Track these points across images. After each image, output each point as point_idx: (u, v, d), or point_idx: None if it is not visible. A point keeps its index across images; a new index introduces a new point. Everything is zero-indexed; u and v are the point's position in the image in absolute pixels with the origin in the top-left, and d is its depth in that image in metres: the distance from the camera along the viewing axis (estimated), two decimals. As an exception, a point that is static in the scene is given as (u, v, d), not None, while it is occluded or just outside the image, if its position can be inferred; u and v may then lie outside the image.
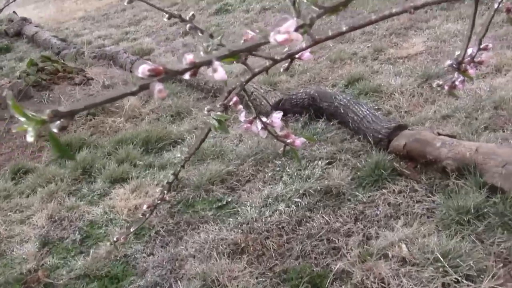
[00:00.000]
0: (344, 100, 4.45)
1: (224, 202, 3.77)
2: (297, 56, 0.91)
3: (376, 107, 4.66)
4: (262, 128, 1.06)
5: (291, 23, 0.62)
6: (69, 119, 0.49)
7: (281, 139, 1.09)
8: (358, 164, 3.85)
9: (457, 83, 1.11)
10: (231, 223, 3.51)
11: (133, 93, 0.55)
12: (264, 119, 1.04)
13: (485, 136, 3.92)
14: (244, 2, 8.86)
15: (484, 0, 5.83)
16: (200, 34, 1.01)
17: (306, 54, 0.92)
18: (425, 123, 4.28)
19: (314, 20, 0.71)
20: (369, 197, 3.52)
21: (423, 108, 4.60)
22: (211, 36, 0.99)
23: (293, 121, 4.61)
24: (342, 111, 4.36)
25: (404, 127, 4.01)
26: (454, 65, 1.04)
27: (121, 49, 6.99)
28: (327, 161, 3.96)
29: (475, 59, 1.06)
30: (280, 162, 4.07)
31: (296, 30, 0.64)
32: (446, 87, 1.12)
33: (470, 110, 4.37)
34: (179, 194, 3.87)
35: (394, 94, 4.89)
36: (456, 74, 1.10)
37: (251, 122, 1.04)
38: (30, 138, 0.47)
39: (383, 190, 3.55)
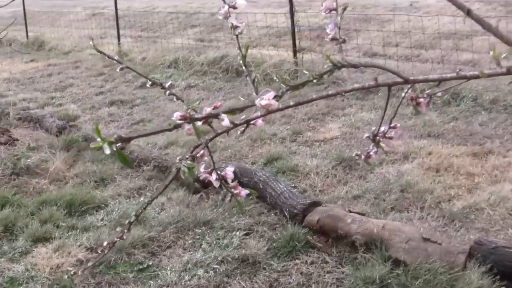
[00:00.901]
0: (264, 176, 4.74)
1: (145, 266, 3.92)
2: (252, 122, 1.17)
3: (293, 185, 4.95)
4: (216, 179, 1.30)
5: (272, 94, 0.88)
6: (127, 142, 0.72)
7: (230, 189, 1.33)
8: (274, 236, 4.10)
9: (371, 153, 1.39)
10: (151, 285, 3.67)
11: (169, 130, 0.78)
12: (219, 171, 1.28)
13: (391, 216, 4.27)
14: (169, 78, 9.18)
15: (396, 93, 6.34)
16: (179, 100, 1.24)
17: (259, 121, 1.18)
18: (338, 201, 4.61)
19: (284, 93, 0.97)
20: (283, 266, 3.77)
21: (336, 188, 4.94)
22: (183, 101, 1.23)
23: (214, 193, 4.83)
24: (261, 186, 4.64)
25: (318, 203, 4.32)
26: (370, 137, 1.32)
27: (47, 113, 7.10)
28: (245, 232, 4.20)
29: (386, 135, 1.35)
30: (200, 230, 4.28)
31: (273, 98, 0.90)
32: (363, 157, 1.40)
33: (379, 192, 4.74)
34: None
35: (310, 174, 5.22)
36: (371, 146, 1.38)
37: (209, 173, 1.28)
38: (107, 151, 0.69)
39: (297, 260, 3.81)
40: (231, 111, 0.99)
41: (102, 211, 4.74)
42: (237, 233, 4.18)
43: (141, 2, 19.49)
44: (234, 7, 1.26)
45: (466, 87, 7.11)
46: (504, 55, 1.12)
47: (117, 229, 1.39)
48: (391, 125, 1.34)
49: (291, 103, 1.10)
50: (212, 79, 9.16)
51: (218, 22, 13.60)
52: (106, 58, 1.28)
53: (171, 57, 10.39)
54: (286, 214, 4.28)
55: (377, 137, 1.32)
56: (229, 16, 1.26)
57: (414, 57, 9.43)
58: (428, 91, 1.30)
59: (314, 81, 1.11)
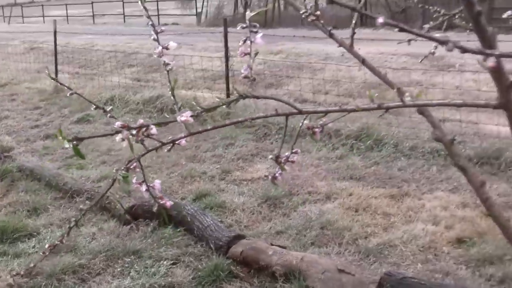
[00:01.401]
0: (192, 210, 4.97)
1: (75, 291, 4.08)
2: (177, 142, 1.43)
3: (220, 220, 5.19)
4: (145, 190, 1.55)
5: (189, 113, 1.15)
6: (80, 141, 0.96)
7: (157, 199, 1.58)
8: (199, 265, 4.33)
9: (277, 175, 1.67)
10: (80, 310, 3.84)
11: (111, 134, 1.03)
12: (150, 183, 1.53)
13: (311, 250, 4.56)
14: (105, 116, 9.32)
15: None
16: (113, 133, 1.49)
17: (183, 142, 1.44)
18: (261, 236, 4.87)
19: (200, 114, 1.23)
20: (207, 294, 4.01)
21: (260, 224, 5.21)
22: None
23: (144, 225, 5.03)
24: (189, 219, 4.87)
25: (242, 237, 4.58)
26: (273, 158, 1.59)
27: (-19, 143, 7.18)
28: (172, 262, 4.41)
29: (289, 159, 1.62)
30: (129, 259, 4.46)
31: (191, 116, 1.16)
32: (270, 177, 1.68)
33: (300, 228, 5.03)
34: (32, 281, 4.13)
35: (236, 211, 5.48)
36: (277, 168, 1.65)
37: (140, 184, 1.53)
38: (66, 146, 0.93)
39: (220, 289, 4.05)
40: (158, 123, 1.25)
41: (34, 239, 4.87)
42: (165, 262, 4.38)
43: (80, 39, 19.63)
44: (167, 48, 1.51)
45: (388, 134, 7.56)
46: (376, 94, 1.41)
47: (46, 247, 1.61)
48: (293, 151, 1.62)
49: (208, 127, 1.36)
50: (147, 118, 9.37)
51: (155, 63, 13.88)
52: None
53: (107, 95, 10.57)
54: (211, 245, 4.51)
55: (280, 159, 1.59)
56: (162, 55, 1.51)
57: (343, 105, 9.82)
58: (320, 122, 1.57)
59: (224, 106, 1.37)
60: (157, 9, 32.77)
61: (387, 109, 1.35)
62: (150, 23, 1.53)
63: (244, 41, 1.49)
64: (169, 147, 1.45)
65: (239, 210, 5.47)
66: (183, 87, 11.23)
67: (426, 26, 2.59)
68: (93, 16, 34.76)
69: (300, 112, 1.42)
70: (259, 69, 12.10)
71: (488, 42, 1.23)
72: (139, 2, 1.55)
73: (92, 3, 35.39)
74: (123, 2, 34.46)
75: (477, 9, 1.21)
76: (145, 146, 1.43)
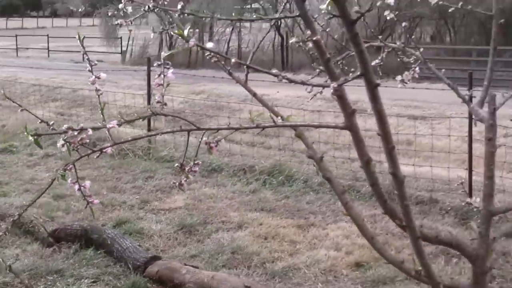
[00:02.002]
0: (112, 234, 5.32)
1: (-3, 307, 4.35)
2: (104, 150, 1.85)
3: (138, 244, 5.54)
4: (78, 189, 1.94)
5: (115, 122, 1.57)
6: (39, 136, 1.37)
7: (87, 197, 1.97)
8: (118, 284, 4.69)
9: (183, 181, 2.09)
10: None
11: (59, 133, 1.44)
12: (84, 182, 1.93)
13: (222, 271, 4.97)
14: (28, 147, 9.52)
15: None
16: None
17: (109, 150, 1.86)
18: (176, 259, 5.25)
19: (122, 123, 1.65)
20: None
21: (176, 248, 5.60)
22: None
23: (66, 247, 5.33)
24: (109, 242, 5.21)
25: (158, 258, 4.96)
26: (179, 166, 2.02)
27: None
28: (92, 280, 4.75)
29: (192, 169, 2.05)
30: (52, 278, 4.76)
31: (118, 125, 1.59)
32: (177, 184, 2.10)
33: (213, 252, 5.45)
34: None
35: (154, 237, 5.85)
36: (182, 176, 2.08)
37: (74, 183, 1.92)
38: (30, 138, 1.33)
39: (136, 303, 4.41)
40: (94, 127, 1.67)
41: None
42: (85, 280, 4.71)
43: (3, 71, 19.60)
44: (99, 77, 1.92)
45: (299, 171, 8.11)
46: (257, 116, 1.87)
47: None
48: (195, 162, 2.05)
49: (122, 139, 1.79)
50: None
51: (78, 98, 14.10)
52: None
53: (32, 127, 10.70)
54: (130, 266, 4.87)
55: (184, 167, 2.02)
56: (95, 82, 1.93)
57: (258, 144, 10.36)
58: (218, 137, 2.00)
59: (141, 120, 1.80)
60: (82, 46, 32.53)
61: (263, 128, 1.80)
62: (87, 57, 1.94)
63: (159, 75, 1.93)
64: (98, 154, 1.86)
65: (156, 236, 5.84)
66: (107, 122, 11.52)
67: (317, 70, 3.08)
68: (17, 49, 34.42)
69: (199, 128, 1.86)
70: (180, 108, 12.55)
71: (335, 80, 1.71)
72: (77, 39, 1.97)
73: (16, 36, 35.06)
74: (48, 37, 34.34)
75: (327, 57, 1.69)
76: (79, 152, 1.84)
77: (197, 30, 29.77)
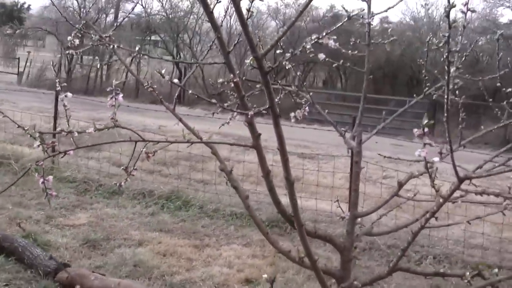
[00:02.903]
0: (23, 242, 5.72)
1: None
2: (68, 152, 2.41)
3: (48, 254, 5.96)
4: (42, 182, 2.48)
5: (91, 129, 2.15)
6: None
7: (48, 189, 2.52)
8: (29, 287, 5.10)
9: (122, 183, 2.67)
10: None
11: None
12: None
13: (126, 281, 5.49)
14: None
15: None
16: None
17: (71, 152, 2.42)
18: (84, 267, 5.71)
19: (73, 136, 2.23)
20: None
21: (82, 260, 6.06)
22: None
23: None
24: (20, 250, 5.61)
25: (68, 265, 5.42)
26: (124, 169, 2.61)
27: None
28: (4, 284, 5.14)
29: (131, 173, 2.64)
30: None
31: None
32: (117, 185, 2.68)
33: (116, 264, 5.96)
34: None
35: (60, 249, 6.27)
36: (127, 178, 2.66)
37: (40, 177, 2.46)
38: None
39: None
40: (79, 132, 2.24)
41: None
42: (-4, 285, 5.10)
43: None
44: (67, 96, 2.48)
45: (195, 197, 8.75)
46: (187, 134, 2.49)
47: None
48: (134, 168, 2.64)
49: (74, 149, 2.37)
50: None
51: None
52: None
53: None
54: (40, 272, 5.29)
55: (127, 170, 2.60)
56: (64, 99, 2.48)
57: (156, 172, 10.90)
58: (155, 149, 2.60)
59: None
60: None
61: (192, 143, 2.43)
62: None
63: (111, 98, 2.51)
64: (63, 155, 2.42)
65: (63, 248, 6.27)
66: (5, 142, 11.74)
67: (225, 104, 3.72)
68: None
69: (144, 140, 2.46)
70: (82, 134, 12.84)
71: (256, 134, 2.36)
72: None
73: None
74: None
75: (243, 94, 2.35)
76: (48, 153, 2.39)
77: (96, 58, 30.03)
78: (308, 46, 1.96)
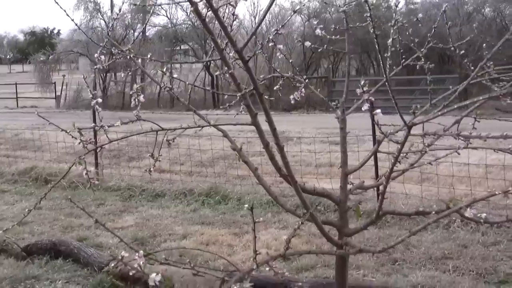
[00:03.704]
0: (78, 244, 6.32)
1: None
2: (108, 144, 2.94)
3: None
4: (85, 173, 3.02)
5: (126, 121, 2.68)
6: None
7: (91, 179, 3.05)
8: (87, 282, 5.68)
9: (152, 168, 3.20)
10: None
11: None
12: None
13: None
14: (-16, 185, 10.41)
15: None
16: None
17: (106, 146, 2.95)
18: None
19: (105, 131, 2.76)
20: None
21: (131, 256, 6.61)
22: None
23: (38, 259, 6.28)
24: (76, 251, 6.20)
25: (119, 260, 5.98)
26: (150, 155, 3.13)
27: None
28: (65, 281, 5.73)
29: (158, 159, 3.16)
30: (30, 281, 5.72)
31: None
32: (147, 170, 3.20)
33: (163, 256, 6.48)
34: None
35: (112, 248, 6.85)
36: (153, 164, 3.18)
37: (84, 169, 3.00)
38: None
39: (107, 296, 5.45)
40: (110, 125, 2.77)
41: None
42: (59, 282, 5.69)
43: None
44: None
45: (233, 191, 9.29)
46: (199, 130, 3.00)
47: None
48: (160, 154, 3.15)
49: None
50: (23, 186, 10.56)
51: (21, 141, 14.93)
52: None
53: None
54: (95, 268, 5.88)
55: (154, 157, 3.12)
56: (95, 105, 3.01)
57: (195, 173, 11.50)
58: (173, 137, 3.11)
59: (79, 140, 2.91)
60: (16, 91, 33.38)
61: (202, 127, 2.94)
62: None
63: (134, 99, 3.03)
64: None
65: (114, 247, 6.85)
66: (52, 161, 12.47)
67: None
68: None
69: (163, 129, 2.97)
70: (121, 145, 13.54)
71: (253, 113, 2.86)
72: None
73: None
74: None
75: (238, 82, 2.85)
76: (87, 148, 2.93)
77: (130, 73, 30.85)
78: (271, 37, 2.45)
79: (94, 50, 29.28)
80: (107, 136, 2.95)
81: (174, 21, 33.58)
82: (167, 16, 32.97)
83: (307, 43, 3.28)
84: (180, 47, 35.04)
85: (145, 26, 34.06)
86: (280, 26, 2.52)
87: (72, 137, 2.81)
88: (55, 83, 32.22)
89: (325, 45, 3.44)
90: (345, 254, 2.97)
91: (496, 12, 30.09)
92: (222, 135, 3.39)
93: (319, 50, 3.86)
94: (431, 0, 31.96)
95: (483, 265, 6.01)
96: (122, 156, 13.31)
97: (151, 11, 29.49)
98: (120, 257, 3.12)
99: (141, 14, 32.06)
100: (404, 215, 3.02)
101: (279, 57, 3.28)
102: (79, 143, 2.83)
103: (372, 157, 8.88)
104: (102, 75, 30.31)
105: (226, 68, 2.66)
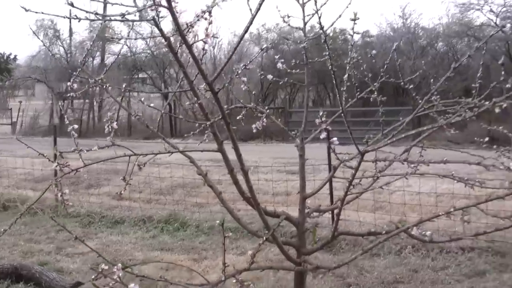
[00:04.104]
0: (39, 268, 6.42)
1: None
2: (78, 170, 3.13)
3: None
4: (60, 195, 3.20)
5: (96, 148, 2.87)
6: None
7: (65, 201, 3.23)
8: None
9: (122, 191, 3.39)
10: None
11: None
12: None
13: None
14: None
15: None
16: None
17: (81, 169, 3.14)
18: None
19: (80, 154, 2.96)
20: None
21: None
22: None
23: (0, 283, 6.36)
24: (38, 276, 6.29)
25: (81, 283, 6.10)
26: (122, 179, 3.32)
27: None
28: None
29: (128, 182, 3.36)
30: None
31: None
32: (118, 193, 3.39)
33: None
34: None
35: (72, 273, 6.95)
36: (124, 187, 3.38)
37: (59, 191, 3.18)
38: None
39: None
40: (87, 149, 2.96)
41: None
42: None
43: None
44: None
45: (191, 218, 9.48)
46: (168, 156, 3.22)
47: None
48: (131, 178, 3.35)
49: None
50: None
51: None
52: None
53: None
54: (58, 292, 5.99)
55: (125, 180, 3.32)
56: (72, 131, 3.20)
57: (154, 201, 11.65)
58: (144, 161, 3.32)
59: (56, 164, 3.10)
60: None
61: (171, 152, 3.15)
62: None
63: (107, 126, 3.24)
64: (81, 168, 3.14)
65: (75, 272, 6.96)
66: (10, 187, 12.47)
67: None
68: None
69: (135, 154, 3.18)
70: (79, 173, 13.56)
71: (219, 141, 3.09)
72: None
73: None
74: None
75: (206, 112, 3.09)
76: (63, 171, 3.11)
77: (87, 101, 30.86)
78: (239, 72, 2.70)
79: (52, 76, 29.33)
80: (82, 161, 3.13)
81: (134, 49, 33.72)
82: (127, 45, 33.07)
83: (269, 76, 3.53)
84: (138, 76, 35.16)
85: (104, 54, 34.07)
86: (249, 62, 2.76)
87: (49, 160, 2.98)
88: (11, 109, 31.98)
89: (286, 78, 3.70)
90: (303, 270, 3.20)
91: (449, 47, 31.03)
92: (182, 163, 3.60)
93: (280, 83, 4.13)
94: (386, 34, 32.77)
95: (432, 289, 6.32)
96: (80, 183, 13.37)
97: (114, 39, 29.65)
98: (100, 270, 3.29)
99: (101, 42, 32.14)
100: (357, 235, 3.27)
101: (242, 88, 3.53)
102: (57, 166, 3.01)
103: (328, 185, 9.20)
104: (61, 102, 30.25)
105: (195, 98, 2.89)
